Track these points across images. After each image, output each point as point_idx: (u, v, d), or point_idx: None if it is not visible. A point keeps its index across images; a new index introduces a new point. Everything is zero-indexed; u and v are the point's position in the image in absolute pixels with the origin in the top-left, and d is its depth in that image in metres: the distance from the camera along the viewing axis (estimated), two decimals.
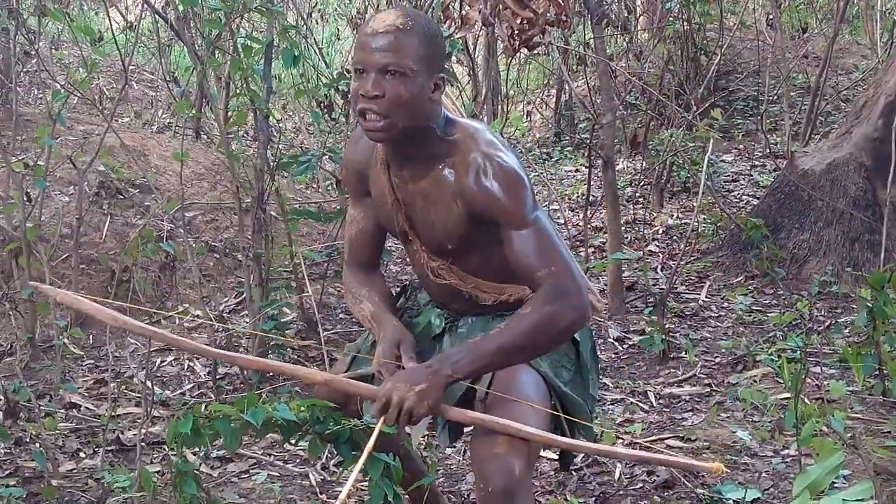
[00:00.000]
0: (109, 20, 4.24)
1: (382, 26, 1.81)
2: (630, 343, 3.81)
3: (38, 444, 2.91)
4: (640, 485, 2.74)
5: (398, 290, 2.30)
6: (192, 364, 3.69)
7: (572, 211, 5.55)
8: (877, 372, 3.09)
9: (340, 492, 2.78)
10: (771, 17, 7.08)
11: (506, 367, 1.86)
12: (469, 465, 2.83)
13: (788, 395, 3.08)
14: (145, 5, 4.15)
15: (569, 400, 1.99)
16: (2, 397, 3.10)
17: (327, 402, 2.03)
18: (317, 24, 8.36)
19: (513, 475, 1.79)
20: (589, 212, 4.83)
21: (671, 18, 6.31)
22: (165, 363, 3.71)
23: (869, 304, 2.98)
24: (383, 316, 2.04)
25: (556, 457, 2.24)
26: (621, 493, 2.70)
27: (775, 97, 6.57)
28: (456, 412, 1.84)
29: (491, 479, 1.81)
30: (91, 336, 3.79)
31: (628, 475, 2.79)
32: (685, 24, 6.27)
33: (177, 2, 3.64)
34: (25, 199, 3.57)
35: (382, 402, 1.77)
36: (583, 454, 2.73)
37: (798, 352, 3.26)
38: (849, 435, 2.77)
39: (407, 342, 1.96)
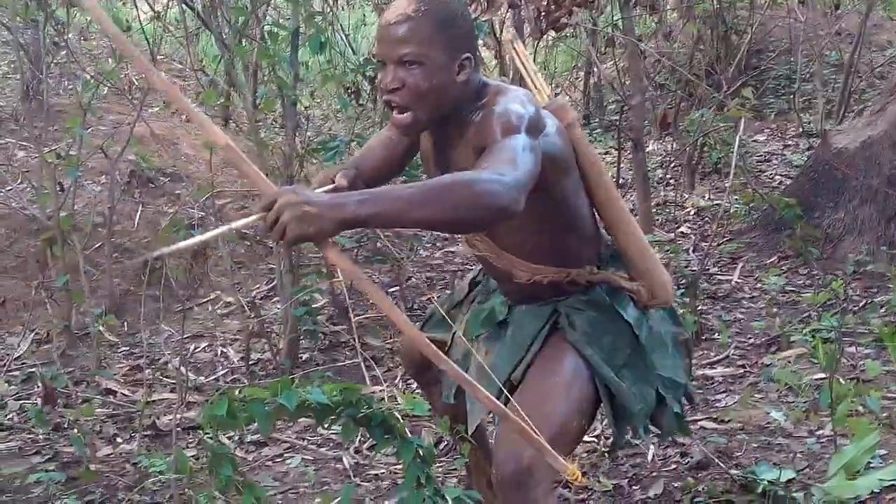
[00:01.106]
0: (137, 10, 4.26)
1: (394, 16, 1.77)
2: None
3: (76, 430, 2.95)
4: (674, 466, 2.73)
5: (474, 274, 2.31)
6: (224, 350, 3.72)
7: None
8: None
9: (374, 475, 2.81)
10: None
11: (415, 222, 1.53)
12: None
13: (823, 375, 3.05)
14: None
15: (613, 386, 1.96)
16: (40, 384, 3.16)
17: (354, 385, 2.04)
18: (343, 10, 8.34)
19: (521, 462, 1.76)
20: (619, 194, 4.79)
21: None
22: (199, 349, 3.75)
23: None
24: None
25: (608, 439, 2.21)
26: (654, 474, 2.69)
27: (808, 75, 6.47)
28: (338, 258, 1.52)
29: (501, 465, 1.80)
30: (126, 323, 3.83)
31: (661, 456, 2.78)
32: (715, 2, 6.20)
33: None
34: (58, 189, 3.61)
35: (269, 201, 1.46)
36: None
37: (833, 332, 3.22)
38: (885, 414, 2.74)
39: (351, 174, 1.92)
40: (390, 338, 3.81)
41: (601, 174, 2.03)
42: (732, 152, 4.08)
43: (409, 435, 2.05)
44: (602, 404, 2.00)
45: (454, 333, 2.20)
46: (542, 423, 1.73)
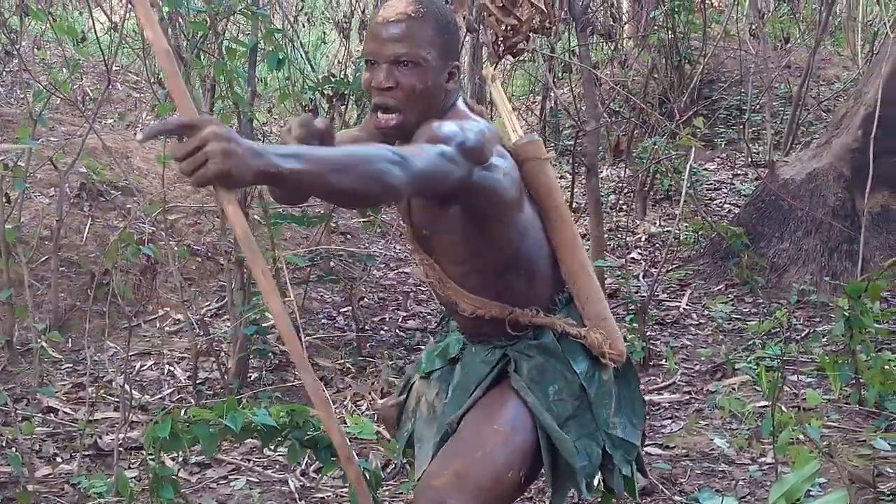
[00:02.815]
0: (93, 21, 4.22)
1: (393, 14, 1.72)
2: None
3: (14, 449, 2.89)
4: None
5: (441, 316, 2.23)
6: (172, 369, 3.67)
7: None
8: (853, 381, 3.11)
9: (320, 498, 2.79)
10: (754, 27, 7.12)
11: (328, 189, 1.44)
12: None
13: (766, 403, 3.11)
14: (130, 5, 4.14)
15: (556, 438, 1.81)
16: None
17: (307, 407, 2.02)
18: (303, 27, 8.35)
19: None
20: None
21: (656, 27, 6.36)
22: (145, 367, 3.70)
23: (846, 314, 3.00)
24: None
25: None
26: (599, 500, 2.71)
27: (758, 106, 6.61)
28: (236, 213, 1.37)
29: None
30: (70, 339, 3.76)
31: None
32: (670, 32, 6.31)
33: (161, 3, 3.63)
34: (5, 200, 3.55)
35: (193, 124, 1.30)
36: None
37: (776, 360, 3.28)
38: (825, 443, 2.79)
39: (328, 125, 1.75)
40: (340, 358, 3.80)
41: (564, 221, 1.93)
42: (683, 180, 4.16)
43: (357, 458, 2.04)
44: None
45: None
46: (474, 471, 1.67)
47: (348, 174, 1.41)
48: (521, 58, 5.36)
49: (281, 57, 3.45)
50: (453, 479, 1.67)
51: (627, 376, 1.99)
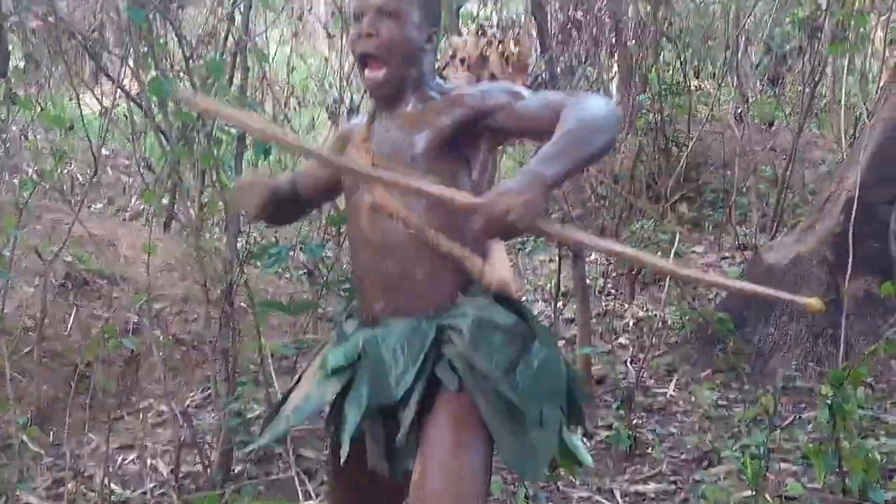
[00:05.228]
0: (80, 109, 4.28)
1: None
2: (598, 439, 3.79)
3: None
4: None
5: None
6: (154, 462, 3.63)
7: (545, 302, 5.57)
8: (837, 469, 3.08)
9: None
10: (739, 110, 7.25)
11: (583, 160, 1.69)
12: None
13: (751, 492, 3.07)
14: (120, 91, 4.21)
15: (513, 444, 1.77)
16: None
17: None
18: (294, 110, 8.48)
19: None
20: (561, 303, 4.85)
21: (643, 111, 6.47)
22: (127, 461, 3.65)
23: (829, 402, 2.98)
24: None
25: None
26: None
27: (744, 189, 6.68)
28: (555, 227, 1.68)
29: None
30: (52, 433, 3.73)
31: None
32: (657, 115, 6.41)
33: (147, 93, 3.69)
34: None
35: (487, 212, 1.58)
36: None
37: (761, 448, 3.25)
38: None
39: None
40: (325, 450, 3.76)
41: None
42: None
43: None
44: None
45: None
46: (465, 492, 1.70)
47: (599, 135, 1.69)
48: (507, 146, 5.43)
49: (266, 147, 3.49)
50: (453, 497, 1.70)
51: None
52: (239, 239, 3.80)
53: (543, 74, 4.85)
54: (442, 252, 1.86)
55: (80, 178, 6.38)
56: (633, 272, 5.59)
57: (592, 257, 5.98)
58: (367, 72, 1.89)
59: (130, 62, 3.56)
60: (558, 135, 1.67)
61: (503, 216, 1.56)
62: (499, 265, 1.87)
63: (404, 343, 1.85)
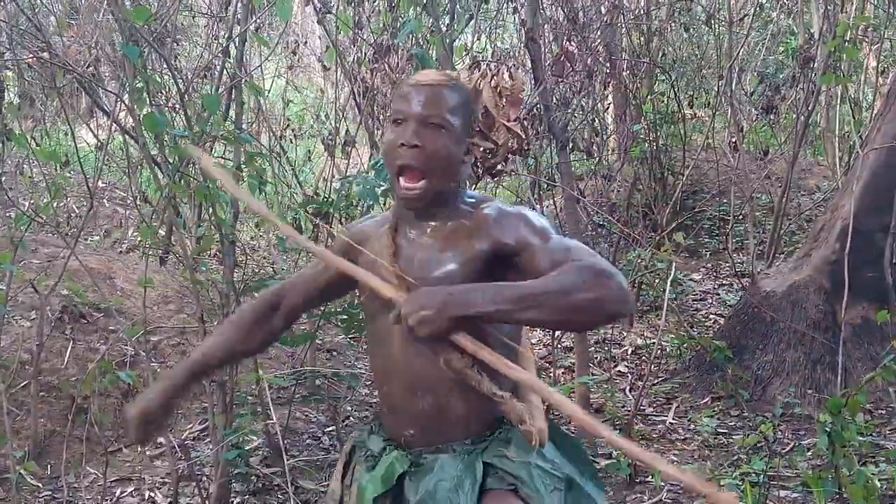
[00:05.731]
0: (75, 143, 4.29)
1: (427, 79, 1.80)
2: (598, 468, 3.77)
3: None
4: None
5: (349, 449, 2.03)
6: (152, 495, 3.61)
7: (543, 331, 5.56)
8: (836, 496, 3.07)
9: None
10: (734, 139, 7.28)
11: (525, 319, 1.61)
12: None
13: None
14: (115, 125, 4.23)
15: None
16: None
17: None
18: (290, 142, 8.51)
19: None
20: (558, 332, 4.84)
21: (639, 139, 6.50)
22: (125, 494, 3.63)
23: (828, 429, 2.98)
24: (179, 369, 1.99)
25: None
26: None
27: (741, 216, 6.70)
28: (462, 337, 1.61)
29: None
30: (49, 466, 3.71)
31: None
32: (652, 144, 6.45)
33: (143, 128, 3.71)
34: None
35: (400, 307, 1.61)
36: None
37: (761, 476, 3.24)
38: None
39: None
40: (325, 480, 3.74)
41: None
42: (665, 292, 4.18)
43: None
44: None
45: None
46: None
47: (553, 303, 1.58)
48: (501, 178, 5.45)
49: (261, 181, 3.52)
50: None
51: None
52: (235, 271, 3.80)
53: (538, 107, 4.89)
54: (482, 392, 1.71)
55: (77, 211, 6.39)
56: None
57: None
58: (402, 181, 1.76)
59: (126, 98, 3.58)
60: (522, 283, 1.61)
61: (406, 318, 1.60)
62: (537, 414, 1.75)
63: (456, 488, 1.79)
